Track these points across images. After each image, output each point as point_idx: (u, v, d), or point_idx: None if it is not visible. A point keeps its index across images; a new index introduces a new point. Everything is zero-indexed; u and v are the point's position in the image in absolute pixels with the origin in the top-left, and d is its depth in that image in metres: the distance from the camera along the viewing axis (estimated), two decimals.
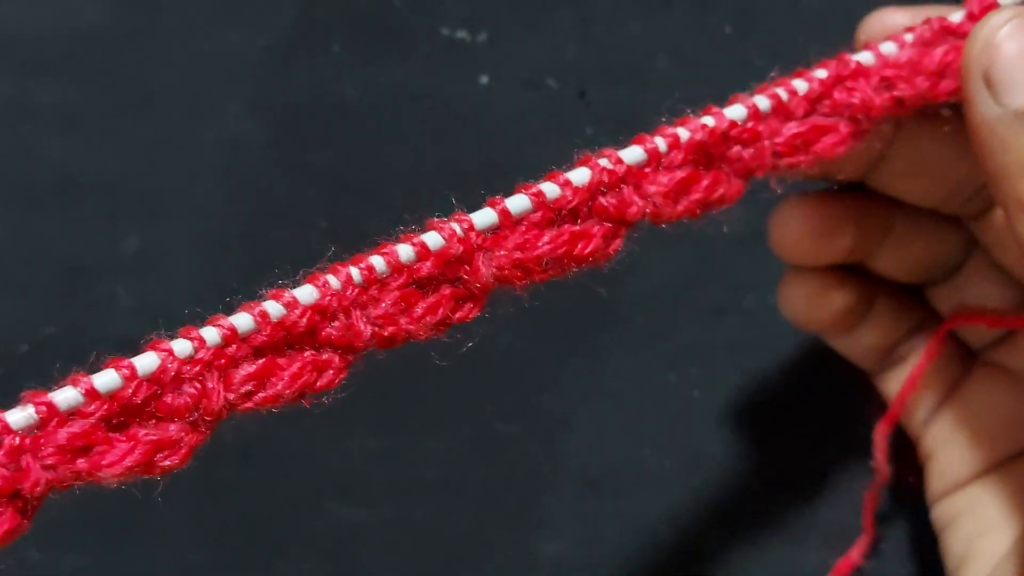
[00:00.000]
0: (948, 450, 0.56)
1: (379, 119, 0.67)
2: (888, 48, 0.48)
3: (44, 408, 0.36)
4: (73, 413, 0.36)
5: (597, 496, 0.61)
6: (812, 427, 0.62)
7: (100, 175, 0.66)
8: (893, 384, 0.58)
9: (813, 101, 0.46)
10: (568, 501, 0.61)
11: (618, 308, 0.64)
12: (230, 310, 0.39)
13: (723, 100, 0.46)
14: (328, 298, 0.39)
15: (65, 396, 0.36)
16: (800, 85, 0.46)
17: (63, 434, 0.36)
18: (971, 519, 0.55)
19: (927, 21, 0.48)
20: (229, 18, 0.68)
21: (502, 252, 0.41)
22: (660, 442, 0.62)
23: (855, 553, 0.59)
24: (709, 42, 0.68)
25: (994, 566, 0.53)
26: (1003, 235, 0.54)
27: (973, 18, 0.48)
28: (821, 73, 0.47)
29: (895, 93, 0.47)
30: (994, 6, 0.48)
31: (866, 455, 0.61)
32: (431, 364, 0.64)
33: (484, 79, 0.68)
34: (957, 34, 0.48)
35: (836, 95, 0.46)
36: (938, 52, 0.47)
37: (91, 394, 0.36)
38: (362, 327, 0.40)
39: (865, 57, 0.47)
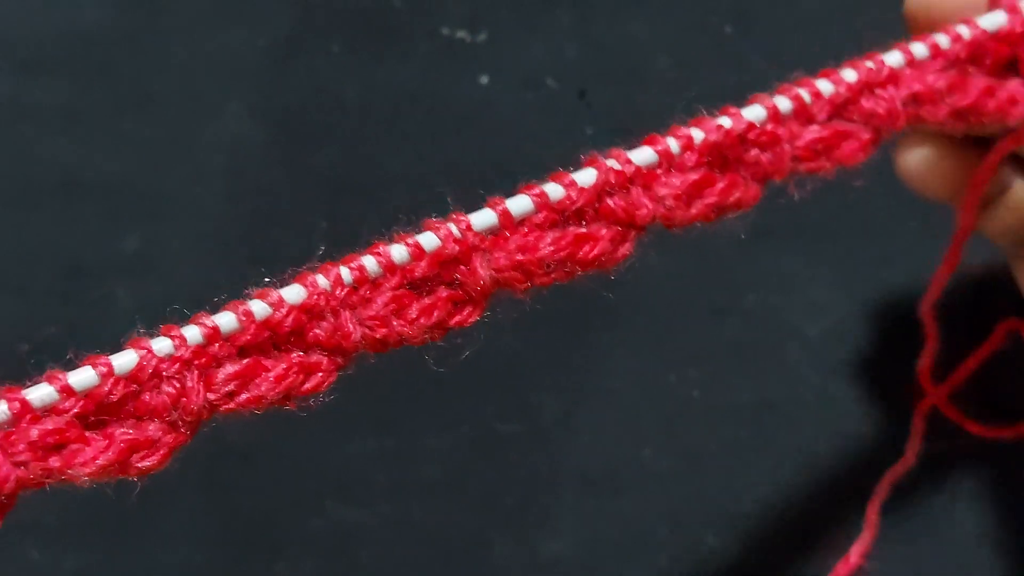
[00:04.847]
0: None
1: (379, 119, 0.67)
2: (919, 50, 0.45)
3: (17, 404, 0.35)
4: (48, 410, 0.35)
5: (597, 496, 0.61)
6: (812, 426, 0.62)
7: (100, 175, 0.66)
8: None
9: (838, 106, 0.44)
10: (568, 501, 0.61)
11: (618, 308, 0.64)
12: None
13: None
14: (316, 297, 0.38)
15: (39, 393, 0.35)
16: (825, 87, 0.44)
17: (35, 431, 0.35)
18: None
19: (957, 38, 0.45)
20: (229, 18, 0.68)
21: (502, 254, 0.40)
22: (660, 442, 0.62)
23: (855, 553, 0.59)
24: (709, 42, 0.68)
25: None
26: None
27: (1016, 36, 0.46)
28: (850, 75, 0.44)
29: (920, 112, 0.45)
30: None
31: (866, 454, 0.61)
32: (431, 364, 0.64)
33: (484, 79, 0.68)
34: (991, 57, 0.46)
35: (863, 102, 0.44)
36: (973, 89, 0.46)
37: (66, 391, 0.36)
38: (351, 328, 0.38)
39: (894, 58, 0.45)
